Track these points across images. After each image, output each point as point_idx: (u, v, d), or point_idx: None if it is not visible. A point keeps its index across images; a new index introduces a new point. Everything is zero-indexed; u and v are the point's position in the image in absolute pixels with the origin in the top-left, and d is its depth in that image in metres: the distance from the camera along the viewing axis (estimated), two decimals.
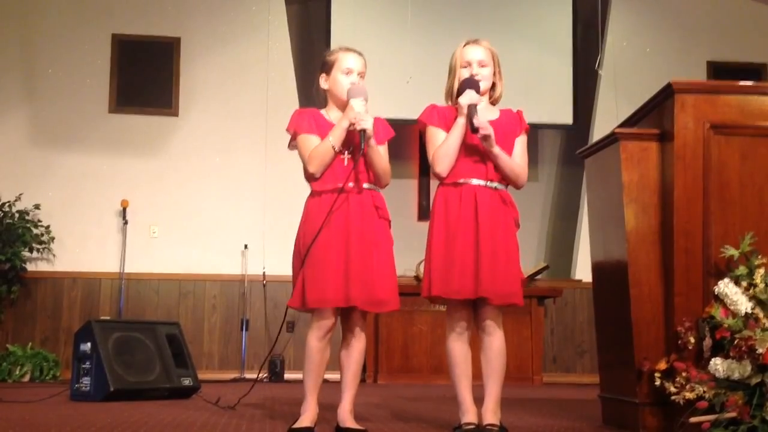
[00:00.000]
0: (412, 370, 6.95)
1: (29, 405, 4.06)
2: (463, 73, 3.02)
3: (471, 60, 3.03)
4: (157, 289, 7.55)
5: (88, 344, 4.36)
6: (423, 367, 6.96)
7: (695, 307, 2.82)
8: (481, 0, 8.26)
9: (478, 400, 2.98)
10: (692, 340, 2.77)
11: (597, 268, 3.36)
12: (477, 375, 3.00)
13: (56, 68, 7.73)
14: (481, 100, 2.97)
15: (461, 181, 2.98)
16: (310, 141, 3.02)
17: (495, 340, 2.97)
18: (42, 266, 7.43)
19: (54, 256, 7.46)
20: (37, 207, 7.32)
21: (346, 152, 3.01)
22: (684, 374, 2.71)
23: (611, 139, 3.07)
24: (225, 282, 7.60)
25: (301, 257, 2.98)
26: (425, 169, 8.36)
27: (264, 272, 7.54)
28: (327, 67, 3.09)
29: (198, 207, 7.68)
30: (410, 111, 6.80)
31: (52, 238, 7.37)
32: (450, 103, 3.08)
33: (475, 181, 2.97)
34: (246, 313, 7.55)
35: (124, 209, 7.45)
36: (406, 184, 8.34)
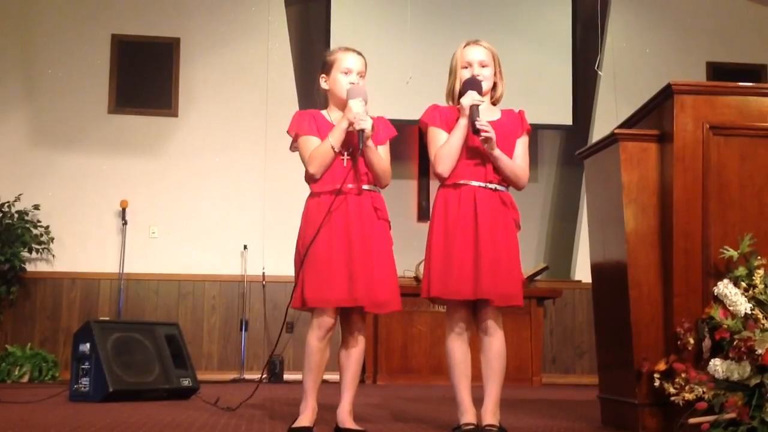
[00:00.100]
0: (411, 371, 6.95)
1: (28, 405, 4.06)
2: (464, 74, 3.02)
3: (472, 60, 3.03)
4: (157, 290, 7.55)
5: (87, 345, 4.35)
6: (422, 368, 6.96)
7: (695, 307, 2.82)
8: (480, 0, 8.27)
9: (478, 400, 2.98)
10: (691, 340, 2.77)
11: (596, 269, 3.36)
12: (477, 376, 3.00)
13: (56, 68, 7.73)
14: (482, 101, 2.97)
15: (461, 182, 2.98)
16: (311, 142, 3.02)
17: (495, 341, 2.97)
18: (41, 267, 7.43)
19: (53, 256, 7.45)
20: (36, 207, 7.32)
21: (345, 153, 3.01)
22: (683, 375, 2.71)
23: (611, 139, 3.07)
24: (224, 282, 7.60)
25: (301, 258, 2.98)
26: (425, 170, 8.36)
27: (263, 273, 7.54)
28: (327, 68, 3.09)
29: (197, 207, 7.68)
30: (410, 111, 6.83)
31: (52, 239, 7.37)
32: (451, 103, 3.08)
33: (474, 183, 2.97)
34: (245, 313, 7.55)
35: (124, 210, 7.45)
36: (405, 185, 8.34)
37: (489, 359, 2.97)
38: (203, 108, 7.85)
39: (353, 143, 2.97)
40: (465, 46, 3.07)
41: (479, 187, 2.97)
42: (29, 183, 7.42)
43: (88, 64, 7.75)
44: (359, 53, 3.10)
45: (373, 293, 2.94)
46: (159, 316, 7.32)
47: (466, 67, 3.03)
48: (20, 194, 7.27)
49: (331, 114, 3.09)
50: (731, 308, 2.71)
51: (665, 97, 2.95)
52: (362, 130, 2.93)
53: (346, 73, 3.05)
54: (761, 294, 2.70)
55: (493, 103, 3.11)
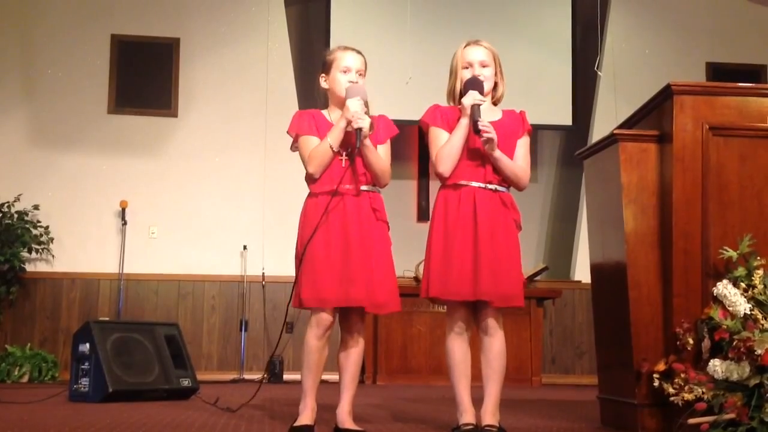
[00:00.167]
0: (411, 371, 6.95)
1: (28, 406, 4.05)
2: (465, 74, 3.02)
3: (472, 61, 3.03)
4: (156, 290, 7.55)
5: (87, 345, 4.35)
6: (422, 368, 6.96)
7: (694, 308, 2.82)
8: (480, 1, 8.27)
9: (478, 401, 2.98)
10: (691, 341, 2.77)
11: (596, 269, 3.36)
12: (477, 376, 3.00)
13: (55, 69, 7.73)
14: (484, 101, 2.97)
15: (461, 183, 2.98)
16: (310, 142, 3.02)
17: (495, 342, 2.97)
18: (41, 267, 7.43)
19: (53, 256, 7.46)
20: (36, 207, 7.32)
21: (344, 153, 3.00)
22: (683, 375, 2.71)
23: (610, 140, 3.07)
24: (224, 283, 7.60)
25: (299, 258, 2.98)
26: (425, 170, 8.37)
27: (263, 273, 7.54)
28: (326, 67, 3.09)
29: (197, 208, 7.68)
30: (410, 112, 6.86)
31: (51, 239, 7.37)
32: (452, 104, 3.08)
33: (474, 184, 2.97)
34: (245, 313, 7.55)
35: (123, 210, 7.45)
36: (405, 185, 8.34)
37: (489, 359, 2.97)
38: (203, 108, 7.85)
39: (352, 143, 2.97)
40: (465, 47, 3.07)
41: (479, 187, 2.97)
42: (29, 183, 7.42)
43: (87, 65, 7.75)
44: (358, 52, 3.10)
45: (371, 294, 2.93)
46: (159, 316, 7.32)
47: (467, 68, 3.03)
48: (20, 194, 7.27)
49: (332, 114, 3.09)
50: (731, 309, 2.71)
51: (665, 97, 2.95)
52: (359, 129, 2.92)
53: (345, 72, 3.04)
54: (761, 294, 2.70)
55: (494, 103, 3.11)
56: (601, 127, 7.89)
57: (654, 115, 3.05)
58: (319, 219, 2.94)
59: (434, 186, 3.09)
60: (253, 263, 7.59)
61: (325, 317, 2.97)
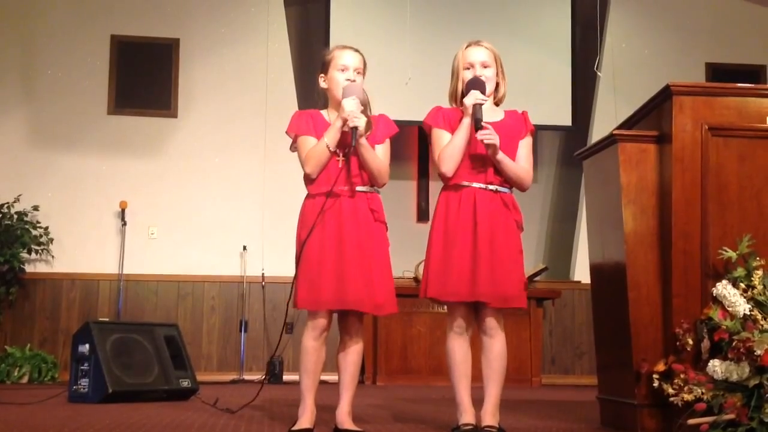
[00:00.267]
0: (410, 372, 6.94)
1: (27, 406, 4.05)
2: (466, 75, 3.02)
3: (474, 62, 3.03)
4: (156, 291, 7.54)
5: (87, 346, 4.35)
6: (422, 369, 6.95)
7: (693, 308, 2.82)
8: (480, 1, 8.27)
9: (478, 401, 2.98)
10: (690, 341, 2.77)
11: (595, 270, 3.36)
12: (477, 376, 3.00)
13: (55, 69, 7.73)
14: (485, 100, 2.97)
15: (462, 184, 2.98)
16: (308, 142, 3.02)
17: (496, 343, 2.97)
18: (41, 267, 7.43)
19: (53, 257, 7.45)
20: (35, 208, 7.32)
21: (341, 154, 3.00)
22: (682, 376, 2.71)
23: (610, 140, 3.07)
24: (224, 283, 7.60)
25: (297, 259, 2.98)
26: (424, 171, 8.37)
27: (263, 273, 7.54)
28: (325, 67, 3.09)
29: (197, 208, 7.68)
30: (409, 112, 6.87)
31: (51, 240, 7.37)
32: (454, 105, 3.08)
33: (475, 185, 2.98)
34: (245, 314, 7.55)
35: (123, 210, 7.45)
36: (405, 186, 8.34)
37: (489, 360, 2.97)
38: (203, 109, 7.85)
39: (348, 143, 2.96)
40: (467, 47, 3.06)
41: (480, 188, 2.97)
42: (28, 184, 7.42)
43: (87, 65, 7.75)
44: (356, 50, 3.09)
45: (367, 295, 2.93)
46: (158, 316, 7.32)
47: (468, 68, 3.03)
48: (19, 195, 7.27)
49: (330, 114, 3.08)
50: (730, 309, 2.71)
51: (664, 98, 2.95)
52: (355, 128, 2.92)
53: (342, 71, 3.04)
54: (760, 295, 2.70)
55: (496, 104, 3.11)
56: (600, 128, 7.89)
57: (653, 116, 3.05)
58: (315, 220, 2.94)
59: (434, 186, 3.10)
60: (253, 263, 7.59)
61: (321, 319, 2.96)
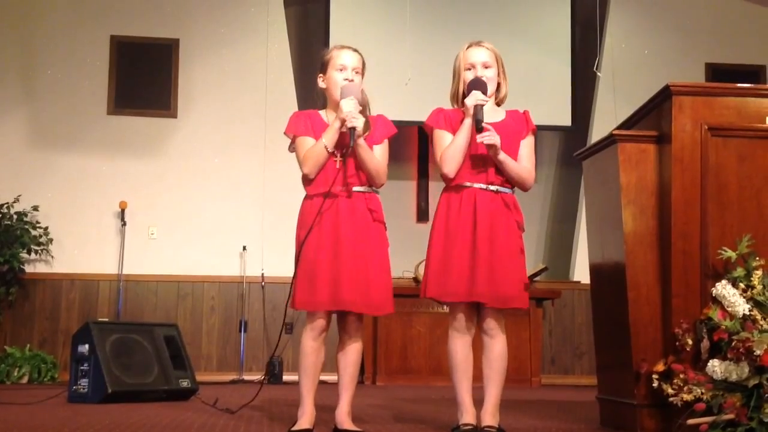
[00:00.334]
0: (410, 372, 6.94)
1: (27, 407, 4.05)
2: (468, 76, 3.02)
3: (475, 62, 3.02)
4: (156, 291, 7.54)
5: (86, 346, 4.35)
6: (422, 369, 6.95)
7: (693, 308, 2.82)
8: (480, 1, 8.27)
9: (478, 401, 2.98)
10: (690, 341, 2.77)
11: (595, 270, 3.36)
12: (477, 377, 3.00)
13: (55, 69, 7.73)
14: (487, 101, 2.97)
15: (464, 184, 2.98)
16: (306, 143, 3.02)
17: (496, 344, 2.97)
18: (40, 268, 7.43)
19: (52, 257, 7.45)
20: (35, 208, 7.32)
21: (339, 154, 3.00)
22: (682, 376, 2.71)
23: (609, 140, 3.07)
24: (223, 283, 7.60)
25: (296, 260, 2.98)
26: (424, 171, 8.37)
27: (263, 274, 7.54)
28: (323, 67, 3.09)
29: (196, 208, 7.68)
30: (409, 113, 6.87)
31: (51, 240, 7.37)
32: (456, 106, 3.08)
33: (476, 185, 2.98)
34: (244, 314, 7.55)
35: (123, 211, 7.45)
36: (404, 186, 8.34)
37: (490, 361, 2.97)
38: (202, 109, 7.85)
39: (346, 143, 2.96)
40: (468, 48, 3.06)
41: (481, 189, 2.97)
42: (28, 184, 7.42)
43: (87, 65, 7.75)
44: (354, 50, 3.09)
45: (365, 296, 2.93)
46: (158, 317, 7.32)
47: (470, 69, 3.02)
48: (19, 195, 7.27)
49: (329, 114, 3.08)
50: (729, 309, 2.71)
51: (664, 98, 2.95)
52: (353, 128, 2.91)
53: (341, 70, 3.03)
54: (759, 295, 2.70)
55: (498, 104, 3.11)
56: (600, 128, 7.89)
57: (653, 116, 3.05)
58: (313, 221, 2.94)
59: (434, 187, 3.10)
60: (253, 264, 7.59)
61: (319, 320, 2.96)
